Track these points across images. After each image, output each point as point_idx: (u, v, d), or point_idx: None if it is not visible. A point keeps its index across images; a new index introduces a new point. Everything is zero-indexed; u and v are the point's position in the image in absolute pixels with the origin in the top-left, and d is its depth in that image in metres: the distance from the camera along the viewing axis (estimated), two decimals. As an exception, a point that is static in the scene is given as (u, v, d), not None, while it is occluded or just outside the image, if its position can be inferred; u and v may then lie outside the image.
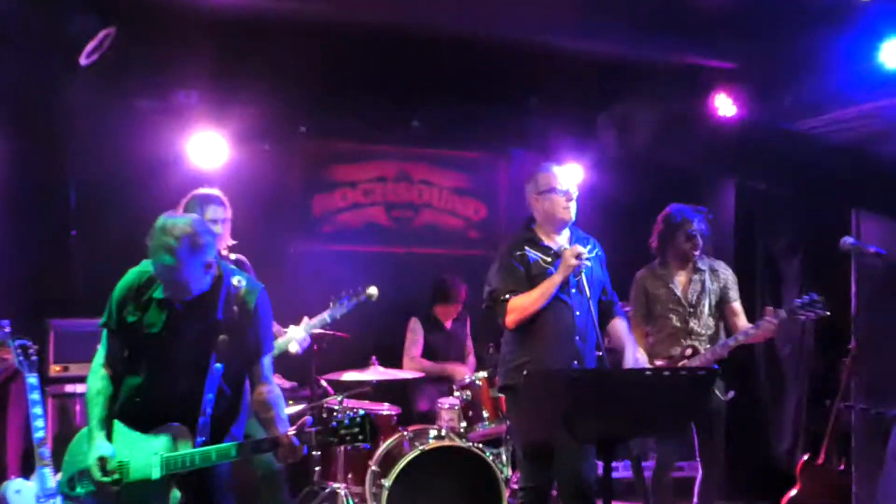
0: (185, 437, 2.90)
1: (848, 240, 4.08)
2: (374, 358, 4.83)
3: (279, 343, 4.22)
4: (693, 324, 4.31)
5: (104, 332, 3.03)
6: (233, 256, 4.28)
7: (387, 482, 4.39)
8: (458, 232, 6.56)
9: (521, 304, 3.55)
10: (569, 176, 3.89)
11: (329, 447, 2.96)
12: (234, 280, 3.03)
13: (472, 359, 5.83)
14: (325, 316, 4.34)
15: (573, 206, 3.76)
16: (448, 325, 5.77)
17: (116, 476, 2.85)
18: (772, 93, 5.22)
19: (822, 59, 4.63)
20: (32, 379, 3.91)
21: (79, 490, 2.93)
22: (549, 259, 3.65)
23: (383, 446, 4.68)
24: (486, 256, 6.59)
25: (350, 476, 4.74)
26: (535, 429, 2.64)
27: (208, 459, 2.89)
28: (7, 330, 4.05)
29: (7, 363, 4.08)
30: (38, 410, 3.86)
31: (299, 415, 4.79)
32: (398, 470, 4.38)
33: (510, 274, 3.64)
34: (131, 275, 3.00)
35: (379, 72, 5.41)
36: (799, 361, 5.51)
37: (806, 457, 4.97)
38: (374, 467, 4.62)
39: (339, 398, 4.68)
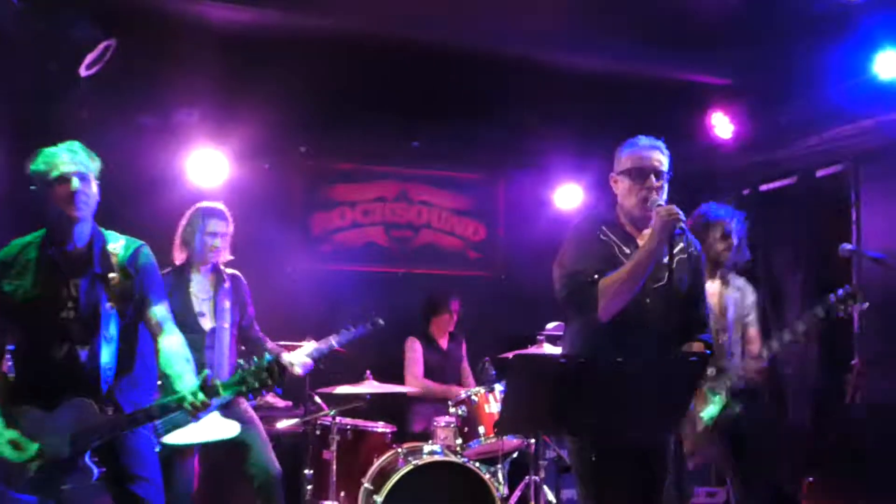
0: (89, 409, 2.87)
1: (847, 246, 4.01)
2: (368, 372, 4.77)
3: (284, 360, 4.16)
4: (722, 340, 3.92)
5: None
6: (229, 271, 4.28)
7: (379, 498, 4.29)
8: (457, 252, 6.54)
9: (614, 284, 2.78)
10: (657, 154, 2.98)
11: (240, 396, 2.90)
12: (110, 237, 3.06)
13: (470, 380, 5.76)
14: (332, 341, 4.32)
15: (656, 196, 2.89)
16: (444, 344, 5.72)
17: (32, 454, 2.83)
18: (768, 110, 5.23)
19: (818, 73, 4.64)
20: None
21: None
22: (628, 251, 2.92)
23: (377, 463, 4.60)
24: (486, 277, 6.67)
25: (343, 494, 4.64)
26: (523, 420, 2.52)
27: (118, 427, 2.87)
28: None
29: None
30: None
31: (292, 429, 4.77)
32: (391, 485, 4.28)
33: (593, 252, 2.90)
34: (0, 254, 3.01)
35: (379, 92, 5.46)
36: (803, 379, 5.41)
37: (811, 478, 4.85)
38: (366, 484, 4.52)
39: (333, 413, 4.61)
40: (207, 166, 5.62)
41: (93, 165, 2.98)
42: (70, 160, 2.91)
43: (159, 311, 3.07)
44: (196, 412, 2.83)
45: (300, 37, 4.94)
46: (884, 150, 4.88)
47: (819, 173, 5.38)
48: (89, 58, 4.38)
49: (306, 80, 5.14)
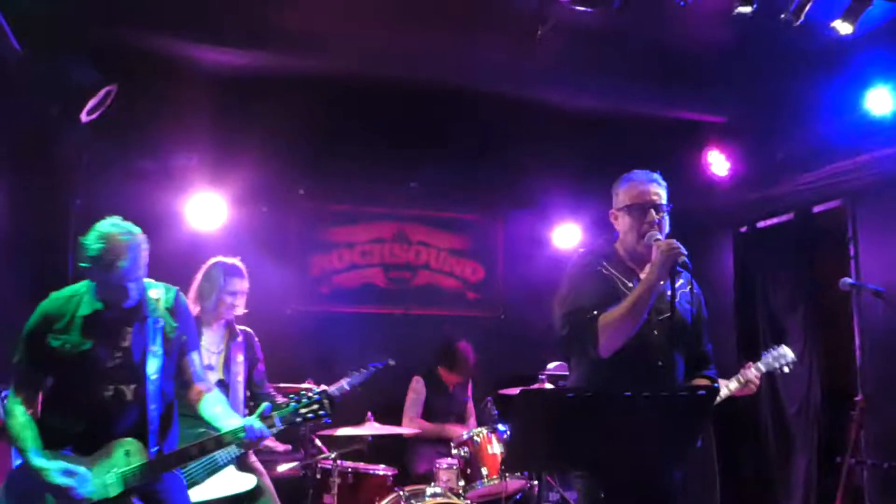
0: (136, 449, 2.89)
1: (847, 280, 4.02)
2: (369, 414, 4.71)
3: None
4: None
5: (14, 374, 3.00)
6: (241, 327, 4.26)
7: (381, 542, 4.21)
8: (456, 293, 6.53)
9: (615, 320, 2.73)
10: (655, 188, 2.97)
11: (293, 426, 3.02)
12: (147, 284, 3.09)
13: (472, 421, 5.69)
14: (344, 383, 4.29)
15: (655, 231, 2.87)
16: (451, 387, 5.66)
17: (87, 481, 2.82)
18: (764, 147, 5.27)
19: (812, 110, 4.70)
20: (14, 428, 3.80)
21: None
22: (631, 285, 2.87)
23: (379, 507, 4.52)
24: (485, 317, 6.63)
25: (344, 538, 4.55)
26: (530, 457, 2.48)
27: (168, 465, 2.90)
28: (-8, 383, 3.96)
29: (-8, 415, 3.98)
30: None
31: (292, 473, 4.69)
32: (393, 529, 4.21)
33: (594, 288, 2.84)
34: (41, 308, 3.01)
35: (376, 133, 5.50)
36: (806, 418, 5.36)
37: (819, 516, 4.79)
38: (368, 528, 4.44)
39: (333, 455, 4.54)
40: (206, 209, 5.63)
41: (137, 235, 2.98)
42: (121, 237, 2.91)
43: (196, 358, 3.15)
44: (254, 443, 2.91)
45: (297, 80, 5.00)
46: (879, 185, 4.91)
47: (816, 209, 5.41)
48: (91, 103, 4.41)
49: (303, 123, 5.19)
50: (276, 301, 5.87)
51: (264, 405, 2.97)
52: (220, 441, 2.94)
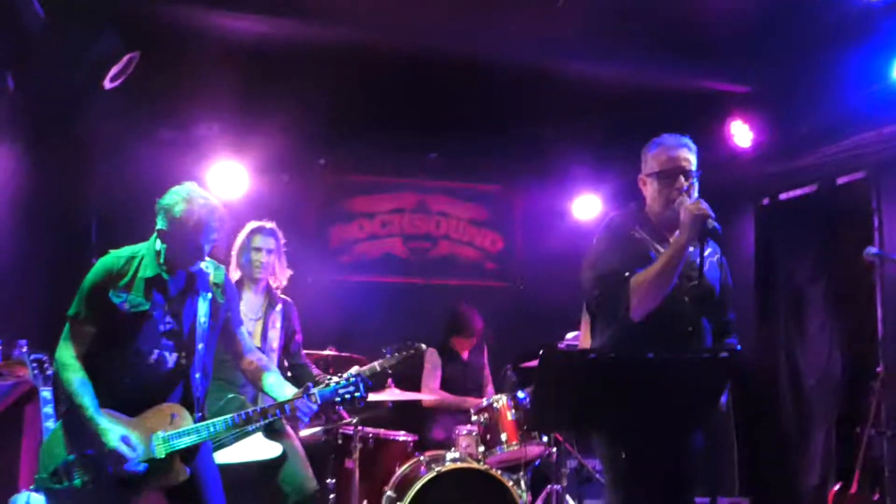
0: (182, 414, 2.96)
1: (871, 250, 3.99)
2: (390, 381, 4.77)
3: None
4: None
5: (68, 327, 2.99)
6: (282, 296, 4.33)
7: (402, 506, 4.28)
8: (475, 263, 6.56)
9: (645, 281, 2.70)
10: (684, 153, 2.92)
11: (332, 406, 3.17)
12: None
13: (490, 388, 5.74)
14: (375, 365, 4.37)
15: (684, 197, 2.81)
16: (465, 355, 5.70)
17: (140, 454, 2.88)
18: (788, 118, 5.21)
19: (837, 80, 4.63)
20: (46, 393, 3.89)
21: (76, 481, 2.87)
22: (661, 249, 2.84)
23: (399, 471, 4.59)
24: (504, 287, 6.66)
25: (365, 502, 4.63)
26: (551, 416, 2.51)
27: (214, 431, 2.97)
28: (24, 350, 4.05)
29: (24, 379, 4.08)
30: (50, 424, 3.83)
31: (313, 439, 4.77)
32: (414, 492, 4.27)
33: (627, 250, 2.81)
34: (105, 263, 3.01)
35: (397, 104, 5.49)
36: (826, 390, 5.36)
37: (837, 486, 4.80)
38: (389, 492, 4.52)
39: (354, 421, 4.61)
40: (228, 179, 5.67)
41: (215, 200, 3.03)
42: (205, 201, 2.94)
43: (244, 331, 3.25)
44: (299, 416, 3.05)
45: (319, 50, 4.98)
46: (905, 156, 4.86)
47: (840, 181, 5.35)
48: (114, 69, 4.43)
49: (325, 93, 5.18)
50: (296, 270, 5.87)
51: (309, 382, 3.12)
52: (264, 413, 3.03)
